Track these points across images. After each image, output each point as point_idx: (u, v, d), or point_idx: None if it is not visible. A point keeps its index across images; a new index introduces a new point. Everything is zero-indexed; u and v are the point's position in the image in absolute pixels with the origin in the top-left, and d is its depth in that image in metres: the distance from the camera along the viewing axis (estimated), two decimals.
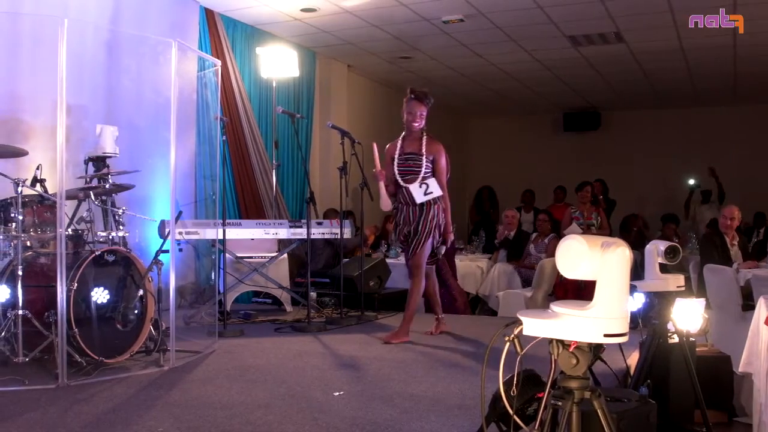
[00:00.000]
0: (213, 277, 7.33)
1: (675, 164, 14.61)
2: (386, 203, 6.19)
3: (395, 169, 6.10)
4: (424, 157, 6.05)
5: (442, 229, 6.13)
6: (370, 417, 3.79)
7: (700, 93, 13.75)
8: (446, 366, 5.15)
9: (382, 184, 6.15)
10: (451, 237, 6.33)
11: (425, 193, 6.03)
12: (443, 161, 6.19)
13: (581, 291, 7.57)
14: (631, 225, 11.08)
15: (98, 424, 3.66)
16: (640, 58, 11.09)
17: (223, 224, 6.68)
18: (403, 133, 6.20)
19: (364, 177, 6.99)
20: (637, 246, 6.98)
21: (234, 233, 7.00)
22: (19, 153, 5.14)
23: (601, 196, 10.76)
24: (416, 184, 6.02)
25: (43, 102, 6.21)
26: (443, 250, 6.33)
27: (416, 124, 6.09)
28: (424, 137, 6.12)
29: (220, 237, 6.63)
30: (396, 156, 6.13)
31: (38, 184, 5.11)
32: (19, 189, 4.73)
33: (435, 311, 6.58)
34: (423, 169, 6.04)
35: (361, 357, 5.43)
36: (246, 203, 9.09)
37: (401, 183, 6.08)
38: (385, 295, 8.24)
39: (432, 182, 6.07)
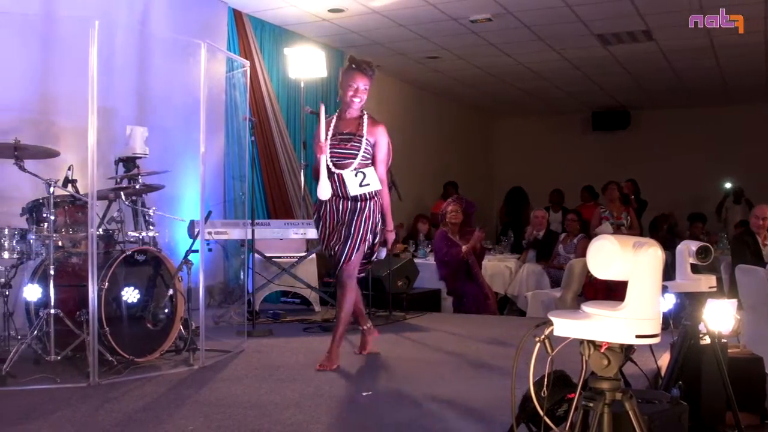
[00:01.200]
0: (242, 277, 7.36)
1: (706, 163, 14.46)
2: (326, 188, 4.98)
3: (326, 151, 4.99)
4: (364, 139, 4.99)
5: (378, 231, 5.13)
6: (399, 417, 3.78)
7: (731, 91, 13.61)
8: (474, 366, 5.13)
9: (323, 160, 4.99)
10: (392, 236, 5.27)
11: (361, 185, 4.94)
12: (385, 146, 5.14)
13: (611, 292, 7.51)
14: (660, 224, 10.99)
15: (129, 423, 3.69)
16: (670, 56, 11.00)
17: (252, 224, 6.71)
18: (338, 111, 5.20)
19: (392, 177, 6.98)
20: (668, 246, 6.93)
21: (263, 233, 7.03)
22: (51, 154, 5.19)
23: (633, 196, 10.68)
24: (351, 172, 4.95)
25: (74, 103, 6.25)
26: (384, 253, 5.37)
27: (358, 100, 5.04)
28: (365, 116, 5.10)
29: (249, 237, 6.66)
30: (329, 136, 5.03)
31: (70, 185, 5.15)
32: (51, 189, 4.77)
33: (360, 322, 5.51)
34: (362, 153, 4.96)
35: (389, 357, 5.42)
36: (274, 203, 9.12)
37: (333, 169, 4.97)
38: (413, 295, 8.23)
39: (370, 172, 4.99)
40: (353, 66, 5.07)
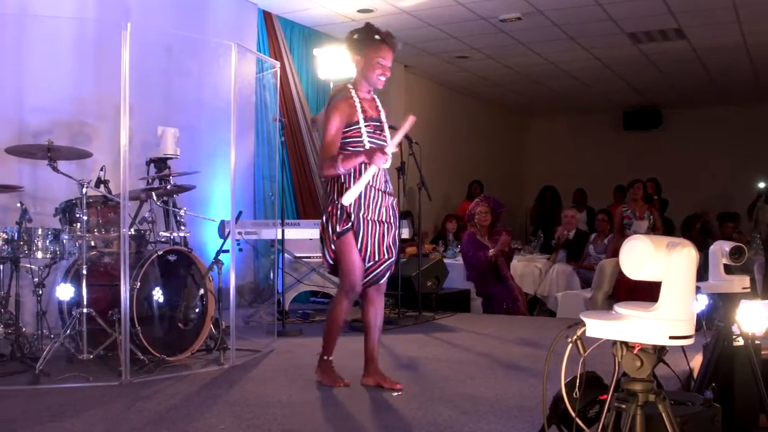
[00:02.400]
0: (272, 277, 7.39)
1: (739, 162, 14.29)
2: (353, 196, 4.18)
3: (364, 138, 4.23)
4: (386, 127, 4.39)
5: None
6: (429, 417, 3.78)
7: (764, 89, 13.45)
8: (504, 367, 5.11)
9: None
10: None
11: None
12: None
13: (634, 292, 7.46)
14: (693, 224, 10.87)
15: (160, 421, 3.71)
16: (702, 54, 10.89)
17: (282, 224, 6.73)
18: (354, 87, 4.34)
19: (422, 177, 6.98)
20: (701, 247, 6.86)
21: (292, 233, 7.05)
22: (84, 155, 5.25)
23: (656, 196, 10.58)
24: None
25: (106, 105, 6.34)
26: None
27: (384, 79, 4.33)
28: (377, 99, 4.49)
29: (279, 237, 6.68)
30: (360, 119, 4.24)
31: (102, 185, 5.20)
32: (84, 190, 4.82)
33: (374, 354, 4.52)
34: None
35: (419, 357, 5.42)
36: (304, 203, 9.16)
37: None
38: (443, 296, 8.21)
39: None
40: (377, 37, 4.25)
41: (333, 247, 4.30)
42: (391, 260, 4.39)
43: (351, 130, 4.22)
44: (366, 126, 4.25)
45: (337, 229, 4.23)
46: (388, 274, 4.42)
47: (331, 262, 4.37)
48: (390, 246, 4.36)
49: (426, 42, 10.32)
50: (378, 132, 4.31)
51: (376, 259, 4.32)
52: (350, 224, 4.22)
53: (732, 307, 3.87)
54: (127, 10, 6.94)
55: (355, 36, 4.31)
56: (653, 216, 9.22)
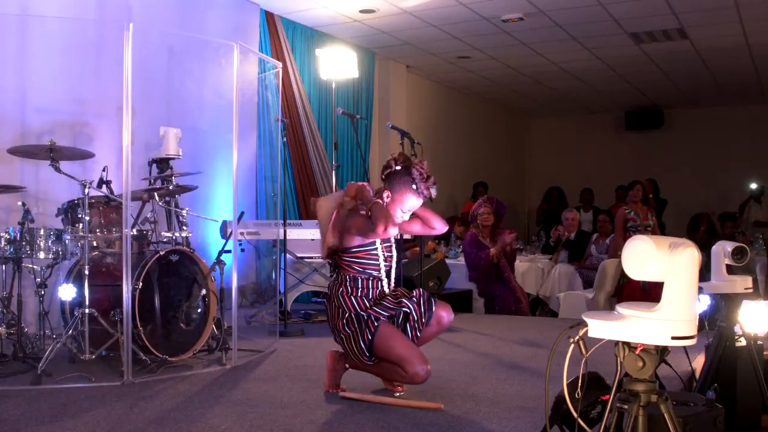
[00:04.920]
0: (274, 277, 7.39)
1: (741, 162, 14.27)
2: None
3: (380, 261, 4.24)
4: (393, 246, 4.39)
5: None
6: (431, 417, 3.78)
7: (767, 89, 13.45)
8: (506, 367, 5.11)
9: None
10: None
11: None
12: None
13: (646, 293, 7.44)
14: (699, 224, 10.86)
15: (162, 421, 3.71)
16: (704, 54, 10.89)
17: (284, 225, 6.73)
18: None
19: None
20: (703, 247, 6.85)
21: (294, 233, 7.04)
22: (86, 155, 5.26)
23: (651, 195, 10.56)
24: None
25: (108, 105, 6.35)
26: None
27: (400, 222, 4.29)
28: None
29: (281, 237, 6.68)
30: (378, 241, 4.22)
31: (104, 186, 5.21)
32: (86, 190, 4.83)
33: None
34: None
35: None
36: (306, 204, 9.15)
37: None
38: (445, 296, 8.20)
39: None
40: (414, 187, 4.12)
41: (368, 353, 4.15)
42: (415, 298, 4.20)
43: (367, 250, 4.19)
44: (381, 247, 4.22)
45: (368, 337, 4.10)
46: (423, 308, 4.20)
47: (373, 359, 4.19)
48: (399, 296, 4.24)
49: (428, 42, 10.32)
50: (389, 255, 4.28)
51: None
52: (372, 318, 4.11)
53: (734, 308, 3.87)
54: (128, 10, 6.94)
55: (397, 167, 4.16)
56: (654, 217, 9.21)
